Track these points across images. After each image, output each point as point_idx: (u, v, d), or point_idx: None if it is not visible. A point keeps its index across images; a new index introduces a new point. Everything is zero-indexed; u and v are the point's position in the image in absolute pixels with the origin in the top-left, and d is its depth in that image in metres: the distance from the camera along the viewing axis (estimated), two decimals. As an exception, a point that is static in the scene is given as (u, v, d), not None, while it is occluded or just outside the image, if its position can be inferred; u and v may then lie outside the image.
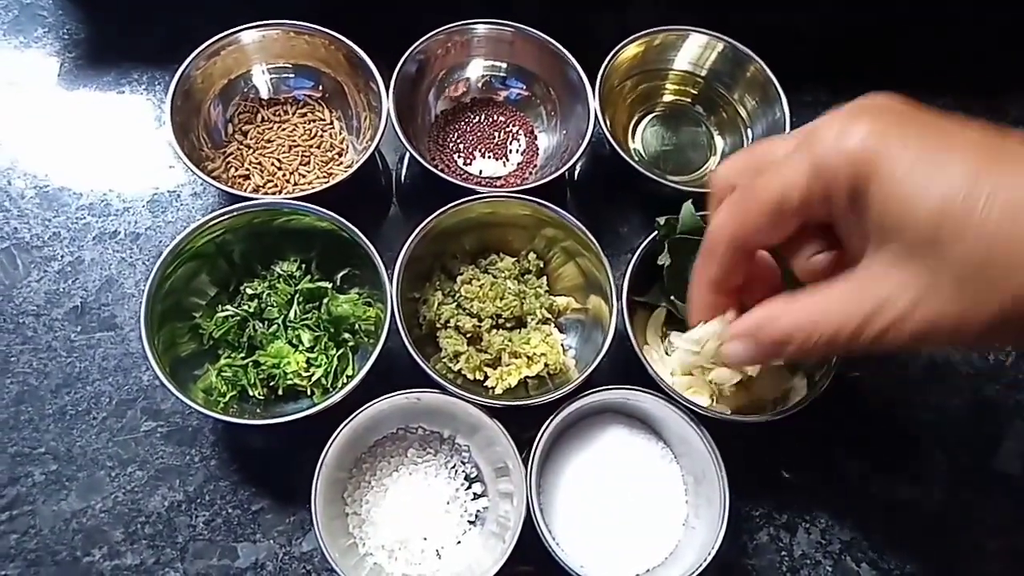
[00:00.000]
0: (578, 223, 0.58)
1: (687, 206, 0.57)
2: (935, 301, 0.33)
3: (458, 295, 0.60)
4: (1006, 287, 0.31)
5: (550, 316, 0.61)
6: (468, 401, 0.52)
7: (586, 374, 0.53)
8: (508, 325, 0.60)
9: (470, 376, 0.58)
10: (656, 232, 0.58)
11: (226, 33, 0.62)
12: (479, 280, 0.60)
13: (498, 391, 0.57)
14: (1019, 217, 0.30)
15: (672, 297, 0.58)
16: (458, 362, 0.58)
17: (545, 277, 0.63)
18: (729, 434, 0.54)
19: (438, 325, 0.59)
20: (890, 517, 0.60)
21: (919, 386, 0.65)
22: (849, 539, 0.59)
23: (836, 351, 0.37)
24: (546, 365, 0.58)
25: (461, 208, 0.57)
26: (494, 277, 0.60)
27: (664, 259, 0.57)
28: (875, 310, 0.34)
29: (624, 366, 0.59)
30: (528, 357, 0.58)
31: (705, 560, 0.50)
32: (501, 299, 0.59)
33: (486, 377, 0.58)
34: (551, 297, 0.61)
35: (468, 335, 0.59)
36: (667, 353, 0.60)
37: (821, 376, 0.55)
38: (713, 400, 0.56)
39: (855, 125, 0.34)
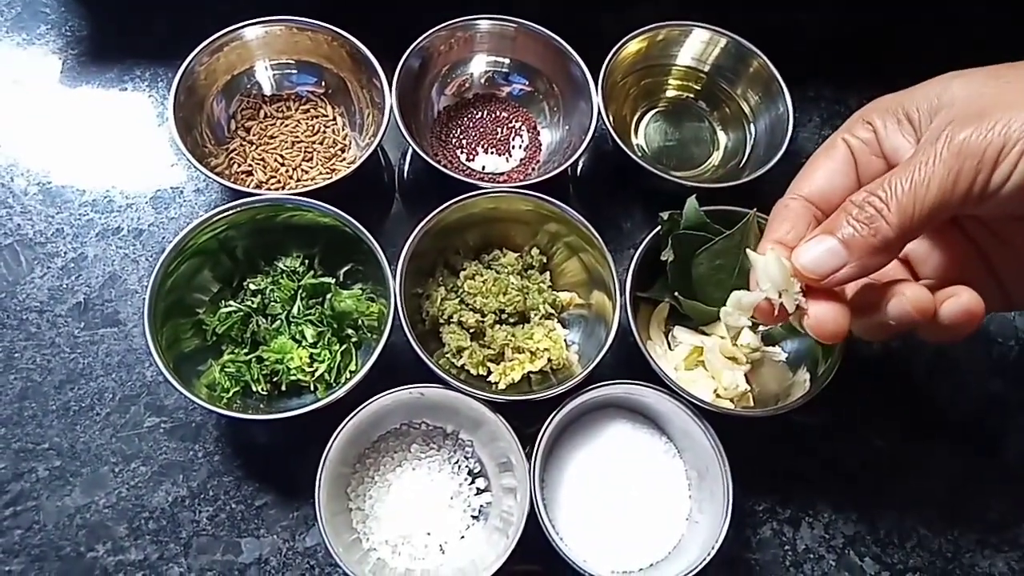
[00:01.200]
0: (581, 218, 0.58)
1: (691, 201, 0.57)
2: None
3: (461, 291, 0.60)
4: None
5: (553, 311, 0.61)
6: (471, 396, 0.52)
7: (589, 369, 0.53)
8: (511, 320, 0.60)
9: (473, 371, 0.58)
10: (659, 228, 0.58)
11: (229, 29, 0.62)
12: (482, 275, 0.60)
13: (501, 386, 0.57)
14: None
15: (675, 293, 0.58)
16: (461, 357, 0.58)
17: (548, 272, 0.63)
18: (732, 429, 0.54)
19: (441, 321, 0.59)
20: (894, 511, 0.60)
21: (924, 381, 0.65)
22: (852, 534, 0.59)
23: (929, 216, 0.33)
24: (549, 360, 0.58)
25: (464, 204, 0.57)
26: (497, 272, 0.60)
27: (667, 255, 0.57)
28: (970, 150, 0.32)
29: (627, 361, 0.59)
30: (531, 352, 0.58)
31: (708, 555, 0.50)
32: (504, 294, 0.59)
33: (489, 372, 0.58)
34: (554, 292, 0.61)
35: (471, 330, 0.59)
36: (670, 348, 0.60)
37: (824, 371, 0.55)
38: (716, 395, 0.56)
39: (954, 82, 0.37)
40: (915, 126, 0.37)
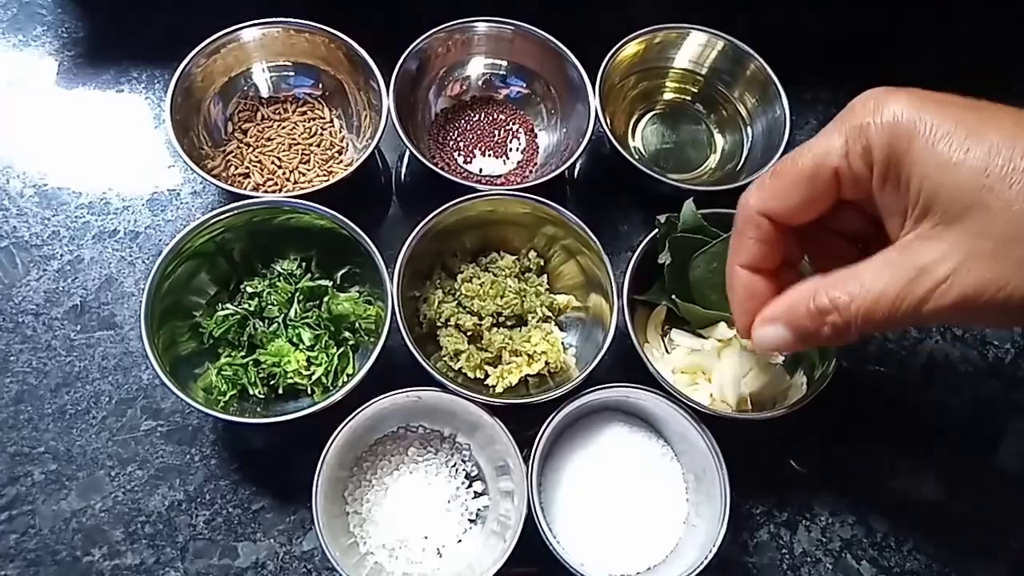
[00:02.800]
0: (578, 221, 0.58)
1: (688, 204, 0.57)
2: (977, 268, 0.32)
3: (459, 293, 0.60)
4: None
5: (551, 314, 0.61)
6: (468, 400, 0.52)
7: (586, 372, 0.53)
8: (509, 323, 0.60)
9: (471, 374, 0.58)
10: (656, 230, 0.58)
11: (226, 31, 0.62)
12: (479, 278, 0.60)
13: (499, 389, 0.57)
14: None
15: (673, 295, 0.58)
16: (459, 360, 0.58)
17: (545, 275, 0.63)
18: (729, 432, 0.53)
19: (438, 323, 0.59)
20: (890, 515, 0.60)
21: (919, 385, 0.65)
22: (849, 537, 0.59)
23: (875, 326, 0.36)
24: (547, 363, 0.58)
25: (461, 206, 0.57)
26: (494, 275, 0.60)
27: (665, 257, 0.57)
28: (915, 277, 0.34)
29: (624, 364, 0.59)
30: (529, 355, 0.58)
31: (706, 558, 0.50)
32: (502, 297, 0.59)
33: (486, 375, 0.58)
34: (551, 295, 0.61)
35: (469, 333, 0.59)
36: (667, 351, 0.60)
37: (821, 374, 0.55)
38: (713, 397, 0.56)
39: (892, 98, 0.35)
40: (907, 197, 0.36)
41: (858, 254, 0.38)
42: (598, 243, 0.57)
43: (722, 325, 0.58)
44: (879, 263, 0.35)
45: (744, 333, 0.44)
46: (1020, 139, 0.32)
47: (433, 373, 0.52)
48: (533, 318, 0.59)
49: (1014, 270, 0.32)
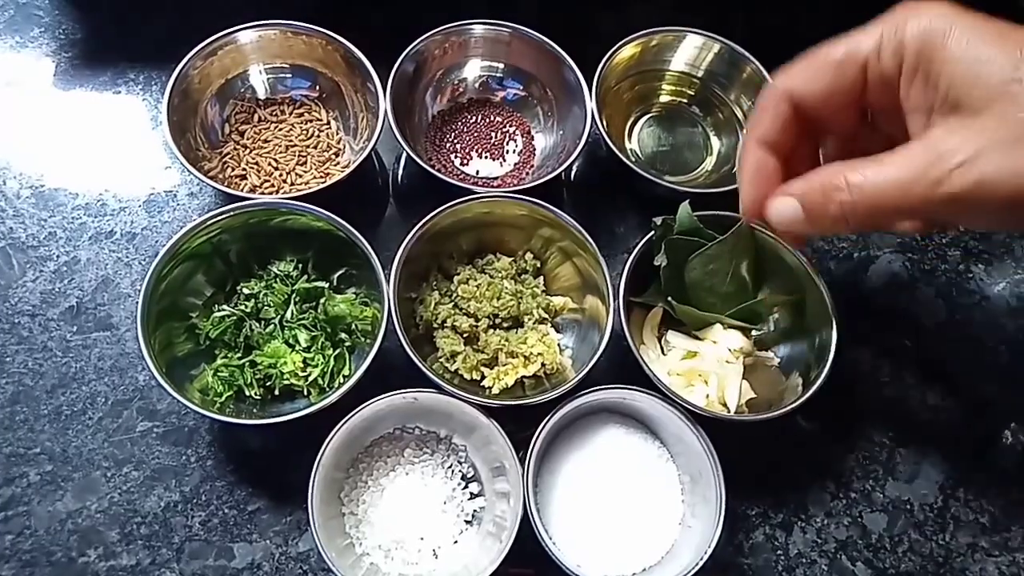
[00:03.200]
0: (575, 223, 0.58)
1: (684, 206, 0.57)
2: (997, 156, 0.34)
3: (455, 295, 0.60)
4: None
5: (547, 316, 0.61)
6: (465, 401, 0.52)
7: (583, 373, 0.53)
8: (505, 325, 0.60)
9: (467, 376, 0.58)
10: (652, 232, 0.58)
11: (224, 33, 0.62)
12: (476, 280, 0.60)
13: (495, 391, 0.57)
14: None
15: (669, 297, 0.58)
16: (455, 362, 0.58)
17: (542, 277, 0.63)
18: (725, 433, 0.54)
19: (435, 325, 0.59)
20: (885, 516, 0.60)
21: (916, 385, 0.65)
22: (844, 538, 0.59)
23: (885, 211, 0.37)
24: (543, 365, 0.58)
25: (458, 208, 0.57)
26: (491, 277, 0.60)
27: (661, 259, 0.57)
28: (934, 161, 0.35)
29: (620, 366, 0.59)
30: (525, 357, 0.58)
31: (701, 559, 0.50)
32: (498, 299, 0.59)
33: (483, 377, 0.58)
34: (548, 297, 0.61)
35: (465, 335, 0.59)
36: (663, 352, 0.60)
37: (815, 375, 0.55)
38: (709, 399, 0.57)
39: (930, 5, 0.37)
40: (935, 93, 0.37)
41: None
42: (594, 245, 0.57)
43: (717, 327, 0.58)
44: (900, 151, 0.37)
45: (747, 209, 0.45)
46: None
47: (429, 375, 0.52)
48: (529, 320, 0.60)
49: None
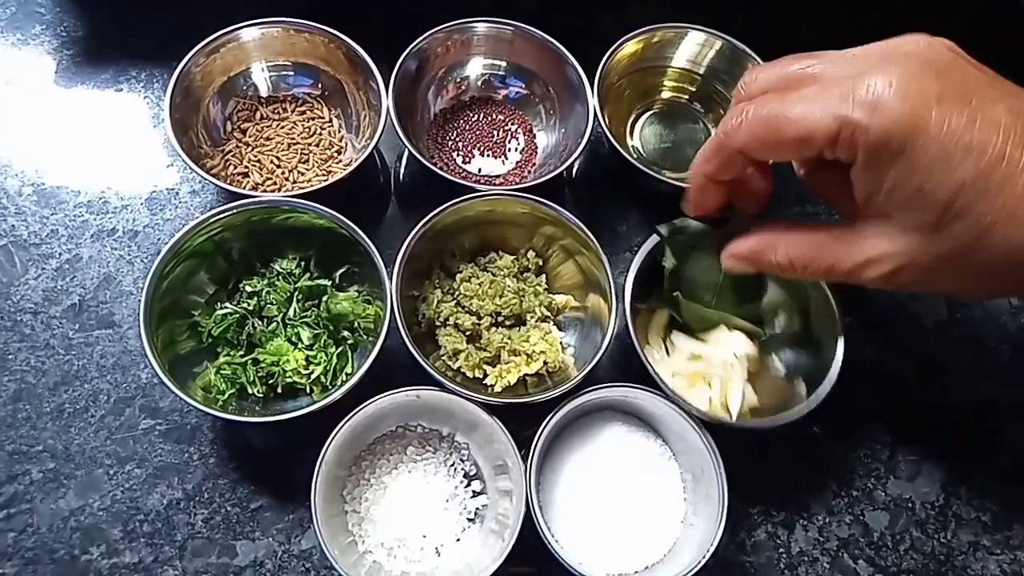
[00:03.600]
0: (577, 221, 0.58)
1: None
2: (922, 265, 0.39)
3: (457, 293, 0.60)
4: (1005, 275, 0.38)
5: (549, 314, 0.61)
6: (467, 399, 0.52)
7: (584, 372, 0.53)
8: (507, 323, 0.60)
9: (469, 374, 0.58)
10: (659, 238, 0.57)
11: (226, 30, 0.62)
12: (478, 278, 0.60)
13: (497, 389, 0.57)
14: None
15: (676, 293, 0.57)
16: (457, 360, 0.58)
17: (544, 275, 0.63)
18: (727, 432, 0.54)
19: (437, 323, 0.59)
20: (887, 514, 0.60)
21: (917, 385, 0.65)
22: (846, 536, 0.59)
23: (821, 279, 0.45)
24: (545, 363, 0.58)
25: (460, 206, 0.57)
26: (493, 275, 0.60)
27: (668, 261, 0.56)
28: (867, 261, 0.41)
29: (623, 364, 0.59)
30: (527, 355, 0.58)
31: (704, 557, 0.50)
32: (500, 297, 0.59)
33: (485, 375, 0.58)
34: (550, 295, 0.61)
35: (467, 333, 0.59)
36: (668, 354, 0.60)
37: (820, 386, 0.55)
38: (712, 402, 0.56)
39: (891, 86, 0.37)
40: (879, 191, 0.40)
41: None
42: (597, 243, 0.57)
43: (723, 331, 0.58)
44: (839, 236, 0.43)
45: (688, 210, 0.51)
46: (996, 164, 0.35)
47: (432, 372, 0.52)
48: (532, 318, 0.60)
49: (963, 278, 0.40)
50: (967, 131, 0.35)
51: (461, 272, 0.61)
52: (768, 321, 0.59)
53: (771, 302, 0.59)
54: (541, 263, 0.63)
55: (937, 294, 0.44)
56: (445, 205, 0.57)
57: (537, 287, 0.61)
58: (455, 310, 0.59)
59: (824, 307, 0.57)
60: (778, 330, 0.60)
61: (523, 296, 0.60)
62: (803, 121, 0.39)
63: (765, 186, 0.48)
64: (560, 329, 0.61)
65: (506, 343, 0.58)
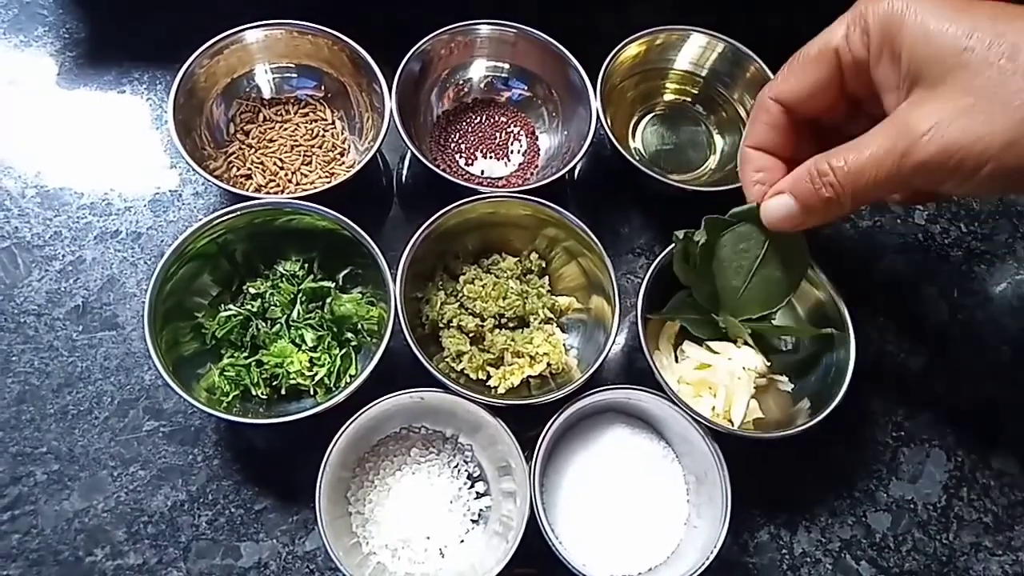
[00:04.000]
0: (580, 223, 0.58)
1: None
2: (958, 122, 0.36)
3: (461, 295, 0.60)
4: (1016, 111, 0.35)
5: (552, 316, 0.61)
6: (470, 400, 0.53)
7: (588, 374, 0.54)
8: (511, 325, 0.60)
9: (473, 376, 0.58)
10: (673, 245, 0.56)
11: (230, 32, 0.62)
12: (481, 280, 0.60)
13: (501, 390, 0.57)
14: (1018, 54, 0.35)
15: (692, 293, 0.57)
16: (461, 362, 0.58)
17: (547, 277, 0.63)
18: (730, 436, 0.54)
19: (441, 325, 0.59)
20: (889, 515, 0.60)
21: (919, 385, 0.65)
22: (848, 537, 0.59)
23: (868, 187, 0.40)
24: (549, 365, 0.58)
25: (463, 208, 0.58)
26: (496, 277, 0.61)
27: (700, 236, 0.54)
28: (903, 134, 0.38)
29: (626, 366, 0.59)
30: (531, 357, 0.58)
31: (707, 559, 0.50)
32: (504, 299, 0.59)
33: (489, 376, 0.58)
34: (553, 297, 0.61)
35: (471, 335, 0.59)
36: (676, 360, 0.60)
37: (824, 405, 0.55)
38: (715, 411, 0.57)
39: None
40: (900, 70, 0.39)
41: None
42: (600, 245, 0.57)
43: (732, 345, 0.58)
44: (873, 130, 0.40)
45: (752, 198, 0.49)
46: (1003, 12, 0.36)
47: (436, 374, 0.52)
48: (535, 320, 0.60)
49: (992, 124, 0.35)
50: (959, 1, 0.38)
51: (464, 274, 0.61)
52: (778, 339, 0.59)
53: (790, 329, 0.59)
54: (544, 265, 0.63)
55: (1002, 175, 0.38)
56: (450, 207, 0.57)
57: (540, 289, 0.61)
58: (459, 312, 0.59)
59: (842, 340, 0.57)
60: (792, 347, 0.60)
61: (526, 298, 0.60)
62: (819, 38, 0.43)
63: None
64: (563, 331, 0.61)
65: (509, 345, 0.58)
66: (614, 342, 0.55)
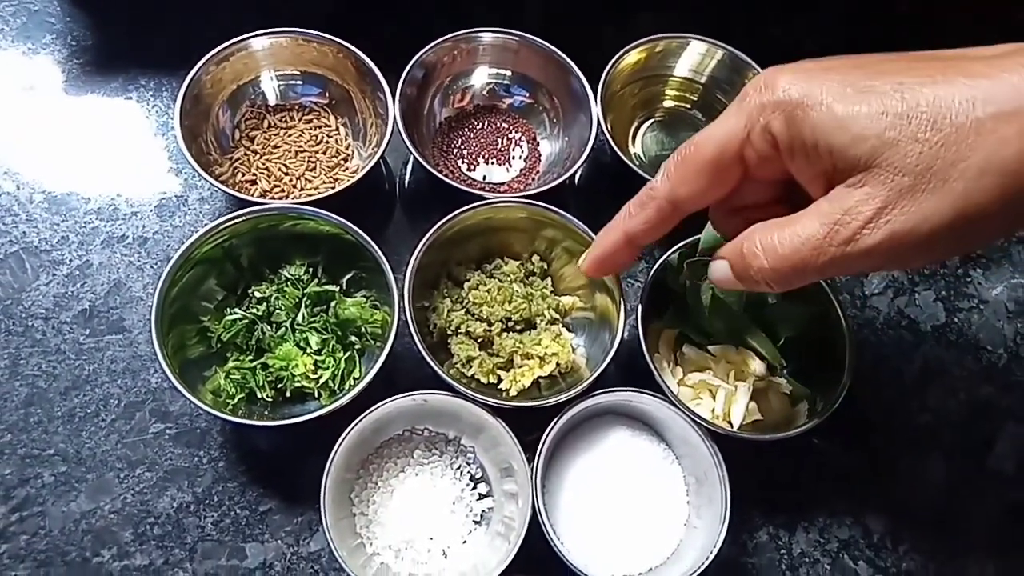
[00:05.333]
0: (576, 220, 0.58)
1: (709, 226, 0.56)
2: (901, 203, 0.34)
3: (466, 301, 0.60)
4: (956, 183, 0.33)
5: (558, 316, 0.61)
6: (474, 402, 0.53)
7: (599, 370, 0.54)
8: (518, 328, 0.61)
9: (484, 380, 0.58)
10: (668, 255, 0.58)
11: (237, 40, 0.63)
12: (486, 285, 0.61)
13: (512, 393, 0.57)
14: (941, 123, 0.33)
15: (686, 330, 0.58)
16: (471, 367, 0.58)
17: (549, 278, 0.63)
18: (730, 437, 0.55)
19: (449, 332, 0.60)
20: (887, 516, 0.61)
21: (915, 388, 0.66)
22: (847, 538, 0.60)
23: (803, 271, 0.37)
24: (558, 364, 0.59)
25: (465, 215, 0.58)
26: (500, 281, 0.61)
27: (683, 277, 0.56)
28: (841, 218, 0.35)
29: (627, 369, 0.60)
30: (540, 358, 0.59)
31: (707, 559, 0.51)
32: (509, 302, 0.60)
33: (500, 380, 0.59)
34: (557, 298, 0.62)
35: (479, 340, 0.60)
36: (677, 363, 0.61)
37: (823, 407, 0.56)
38: (714, 413, 0.57)
39: (781, 76, 0.36)
40: (819, 159, 0.36)
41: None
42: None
43: (732, 348, 0.59)
44: (809, 212, 0.37)
45: (586, 269, 0.50)
46: (906, 81, 0.34)
47: (448, 380, 0.53)
48: (542, 321, 0.60)
49: (936, 200, 0.33)
50: (859, 71, 0.35)
51: (469, 280, 0.61)
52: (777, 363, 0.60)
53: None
54: (546, 267, 0.64)
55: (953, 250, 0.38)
56: (456, 212, 0.58)
57: (544, 290, 0.62)
58: (466, 318, 0.60)
59: (840, 348, 0.58)
60: (790, 357, 0.61)
61: (531, 300, 0.60)
62: (714, 133, 0.39)
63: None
64: (568, 330, 0.62)
65: (518, 347, 0.59)
66: (622, 339, 0.55)
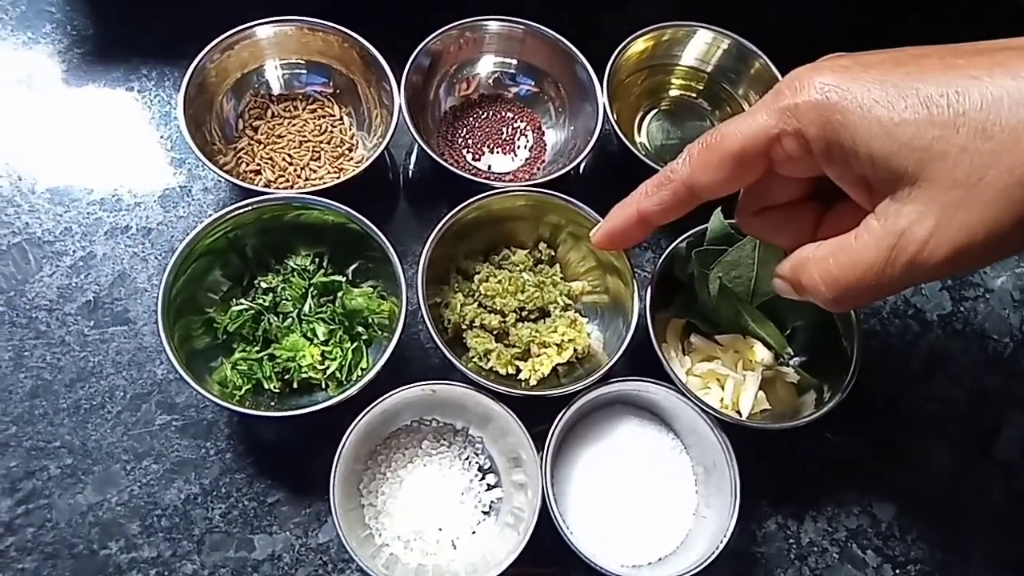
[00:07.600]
0: (577, 202, 0.58)
1: (717, 214, 0.56)
2: (957, 218, 0.32)
3: (478, 294, 0.60)
4: (1014, 189, 0.31)
5: (571, 302, 0.61)
6: (481, 392, 0.53)
7: (618, 355, 0.54)
8: (532, 317, 0.60)
9: (502, 371, 0.58)
10: (675, 245, 0.58)
11: (241, 27, 0.62)
12: (496, 276, 0.60)
13: (532, 382, 0.57)
14: (991, 130, 0.31)
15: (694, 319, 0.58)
16: (489, 360, 0.58)
17: (558, 265, 0.63)
18: (738, 427, 0.54)
19: (463, 326, 0.59)
20: (895, 505, 0.61)
21: (921, 377, 0.66)
22: (855, 527, 0.60)
23: (868, 295, 0.36)
24: (575, 350, 0.58)
25: (470, 207, 0.57)
26: (510, 272, 0.61)
27: (692, 267, 0.57)
28: (898, 243, 0.34)
29: (635, 359, 0.59)
30: (557, 345, 0.58)
31: (717, 548, 0.51)
32: (522, 292, 0.59)
33: (518, 371, 0.58)
34: (567, 283, 0.62)
35: (495, 332, 0.59)
36: (685, 353, 0.60)
37: (830, 396, 0.56)
38: (723, 402, 0.57)
39: (816, 75, 0.35)
40: (860, 164, 0.35)
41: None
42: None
43: (740, 337, 0.59)
44: (861, 233, 0.35)
45: (596, 243, 0.50)
46: (951, 82, 0.32)
47: (469, 374, 0.52)
48: (555, 308, 0.60)
49: (992, 209, 0.32)
50: (897, 73, 0.34)
51: (479, 273, 0.61)
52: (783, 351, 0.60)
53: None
54: (553, 253, 0.63)
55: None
56: (466, 203, 0.57)
57: (554, 277, 0.61)
58: (479, 311, 0.59)
59: (846, 344, 0.58)
60: (797, 346, 0.61)
61: (543, 288, 0.60)
62: (742, 126, 0.38)
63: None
64: (582, 315, 0.62)
65: (535, 336, 0.58)
66: (639, 319, 0.55)
